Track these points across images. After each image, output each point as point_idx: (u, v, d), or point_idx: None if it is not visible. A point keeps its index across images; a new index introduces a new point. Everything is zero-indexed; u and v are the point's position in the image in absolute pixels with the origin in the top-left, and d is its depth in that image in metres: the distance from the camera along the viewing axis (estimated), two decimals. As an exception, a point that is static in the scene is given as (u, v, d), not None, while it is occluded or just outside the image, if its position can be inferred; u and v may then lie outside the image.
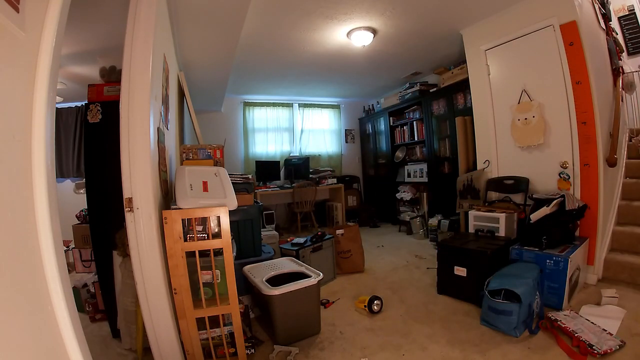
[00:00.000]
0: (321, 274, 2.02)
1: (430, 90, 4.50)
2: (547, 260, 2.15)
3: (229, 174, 1.97)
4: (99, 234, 2.00)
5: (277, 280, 2.06)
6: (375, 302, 2.24)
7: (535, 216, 2.33)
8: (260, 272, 2.13)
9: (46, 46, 0.87)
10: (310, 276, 2.01)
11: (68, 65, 3.18)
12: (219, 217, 1.59)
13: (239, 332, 1.65)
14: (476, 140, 3.32)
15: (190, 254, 1.57)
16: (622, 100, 3.01)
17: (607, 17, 3.07)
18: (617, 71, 3.00)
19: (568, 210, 2.27)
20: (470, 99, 3.45)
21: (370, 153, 6.08)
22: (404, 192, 4.97)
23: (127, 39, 1.51)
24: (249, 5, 2.30)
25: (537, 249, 2.25)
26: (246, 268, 2.22)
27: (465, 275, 2.31)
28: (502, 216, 2.64)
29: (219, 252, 1.62)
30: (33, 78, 0.85)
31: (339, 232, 3.13)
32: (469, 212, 2.89)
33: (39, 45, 0.86)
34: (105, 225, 1.94)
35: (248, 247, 2.47)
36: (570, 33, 2.45)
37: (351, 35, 3.22)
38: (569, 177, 2.56)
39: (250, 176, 2.63)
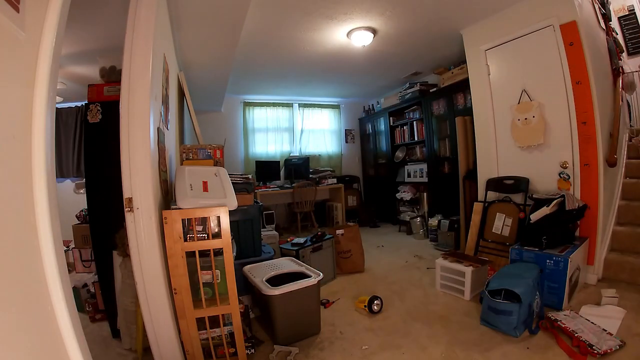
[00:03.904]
0: (321, 274, 2.03)
1: (430, 90, 4.49)
2: (547, 260, 2.15)
3: (229, 174, 1.97)
4: (99, 234, 2.00)
5: (277, 280, 2.06)
6: (375, 302, 2.24)
7: (535, 216, 2.33)
8: (260, 272, 2.13)
9: (46, 46, 0.87)
10: (310, 276, 2.01)
11: (68, 65, 3.18)
12: (219, 217, 1.59)
13: (239, 332, 1.65)
14: (476, 140, 3.32)
15: (190, 254, 1.57)
16: (622, 100, 3.01)
17: (607, 17, 3.07)
18: (617, 71, 3.00)
19: (568, 210, 2.27)
20: (470, 99, 3.45)
21: (370, 153, 6.08)
22: (404, 192, 4.97)
23: (127, 39, 1.51)
24: (249, 5, 2.30)
25: (537, 249, 2.25)
26: (246, 268, 2.22)
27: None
28: (468, 270, 2.35)
29: (219, 252, 1.62)
30: (33, 78, 0.85)
31: (339, 232, 3.13)
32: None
33: (39, 45, 0.86)
34: (105, 225, 1.94)
35: (248, 247, 2.47)
36: (570, 33, 2.45)
37: (351, 35, 3.22)
38: (569, 177, 2.56)
39: (250, 176, 2.63)
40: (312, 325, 2.01)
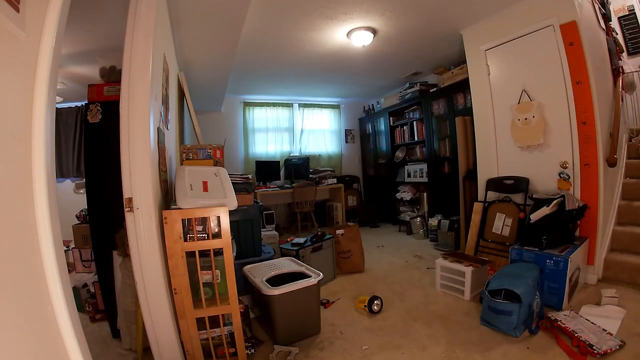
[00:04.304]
0: (321, 274, 2.03)
1: (430, 90, 4.49)
2: (547, 260, 2.15)
3: (229, 174, 1.97)
4: (99, 234, 2.00)
5: (277, 280, 2.06)
6: (375, 302, 2.24)
7: (535, 216, 2.33)
8: (260, 272, 2.13)
9: (46, 46, 0.87)
10: (310, 276, 2.01)
11: (68, 65, 3.18)
12: (219, 217, 1.59)
13: (239, 332, 1.65)
14: (476, 140, 3.32)
15: (190, 254, 1.57)
16: (622, 100, 3.01)
17: (607, 17, 3.06)
18: (617, 71, 3.00)
19: (568, 210, 2.27)
20: (470, 99, 3.45)
21: (370, 153, 6.08)
22: (404, 192, 4.97)
23: (127, 39, 1.51)
24: (248, 5, 2.30)
25: (537, 249, 2.25)
26: (246, 268, 2.22)
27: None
28: (468, 270, 2.35)
29: (219, 252, 1.62)
30: (33, 78, 0.85)
31: (339, 232, 3.13)
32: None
33: (39, 45, 0.86)
34: (105, 225, 1.94)
35: (248, 247, 2.47)
36: (570, 33, 2.45)
37: (351, 35, 3.21)
38: (569, 177, 2.56)
39: (250, 176, 2.63)
40: (312, 325, 2.01)
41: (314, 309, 2.01)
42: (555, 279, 2.10)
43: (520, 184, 2.84)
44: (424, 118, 4.56)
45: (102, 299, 2.19)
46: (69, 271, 2.31)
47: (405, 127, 5.09)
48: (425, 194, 4.59)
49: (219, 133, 5.33)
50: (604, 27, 2.98)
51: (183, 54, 3.06)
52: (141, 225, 1.48)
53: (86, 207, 2.10)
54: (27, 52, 0.83)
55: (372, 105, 6.12)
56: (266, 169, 5.31)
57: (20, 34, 0.78)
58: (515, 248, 2.38)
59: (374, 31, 3.18)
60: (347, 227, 3.21)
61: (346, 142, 6.38)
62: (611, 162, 2.49)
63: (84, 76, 3.36)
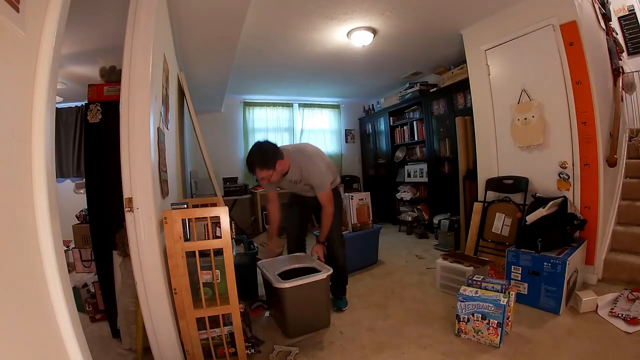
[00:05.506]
0: (331, 269, 2.06)
1: (430, 90, 4.49)
2: (545, 263, 2.11)
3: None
4: (99, 234, 2.00)
5: (289, 274, 2.10)
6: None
7: (531, 218, 2.31)
8: (273, 267, 2.16)
9: (46, 46, 0.87)
10: (320, 271, 2.04)
11: (68, 65, 3.18)
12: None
13: (239, 332, 1.65)
14: (476, 140, 3.32)
15: (190, 254, 1.57)
16: (622, 100, 3.01)
17: (607, 17, 3.06)
18: (617, 71, 3.00)
19: (567, 214, 2.25)
20: (470, 99, 3.45)
21: (370, 153, 6.08)
22: (404, 192, 4.97)
23: (127, 39, 1.51)
24: (248, 5, 2.30)
25: (533, 252, 2.21)
26: (260, 262, 2.27)
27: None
28: (468, 270, 2.35)
29: (219, 252, 1.62)
30: (33, 78, 0.85)
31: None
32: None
33: (39, 45, 0.86)
34: (105, 225, 1.94)
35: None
36: (570, 33, 2.45)
37: (351, 35, 3.21)
38: (569, 177, 2.56)
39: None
40: (322, 319, 2.06)
41: (324, 303, 2.06)
42: (552, 282, 2.07)
43: (519, 184, 2.83)
44: (424, 118, 4.56)
45: (102, 299, 2.19)
46: (69, 271, 2.30)
47: (405, 127, 5.09)
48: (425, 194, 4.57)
49: (219, 133, 5.34)
50: (604, 27, 2.97)
51: (183, 54, 3.06)
52: (141, 225, 1.48)
53: (86, 207, 2.10)
54: (27, 52, 0.83)
55: (372, 105, 6.12)
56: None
57: (20, 34, 0.78)
58: (511, 250, 2.33)
59: (374, 31, 3.18)
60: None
61: (346, 142, 6.38)
62: (611, 162, 2.49)
63: (84, 76, 3.36)
